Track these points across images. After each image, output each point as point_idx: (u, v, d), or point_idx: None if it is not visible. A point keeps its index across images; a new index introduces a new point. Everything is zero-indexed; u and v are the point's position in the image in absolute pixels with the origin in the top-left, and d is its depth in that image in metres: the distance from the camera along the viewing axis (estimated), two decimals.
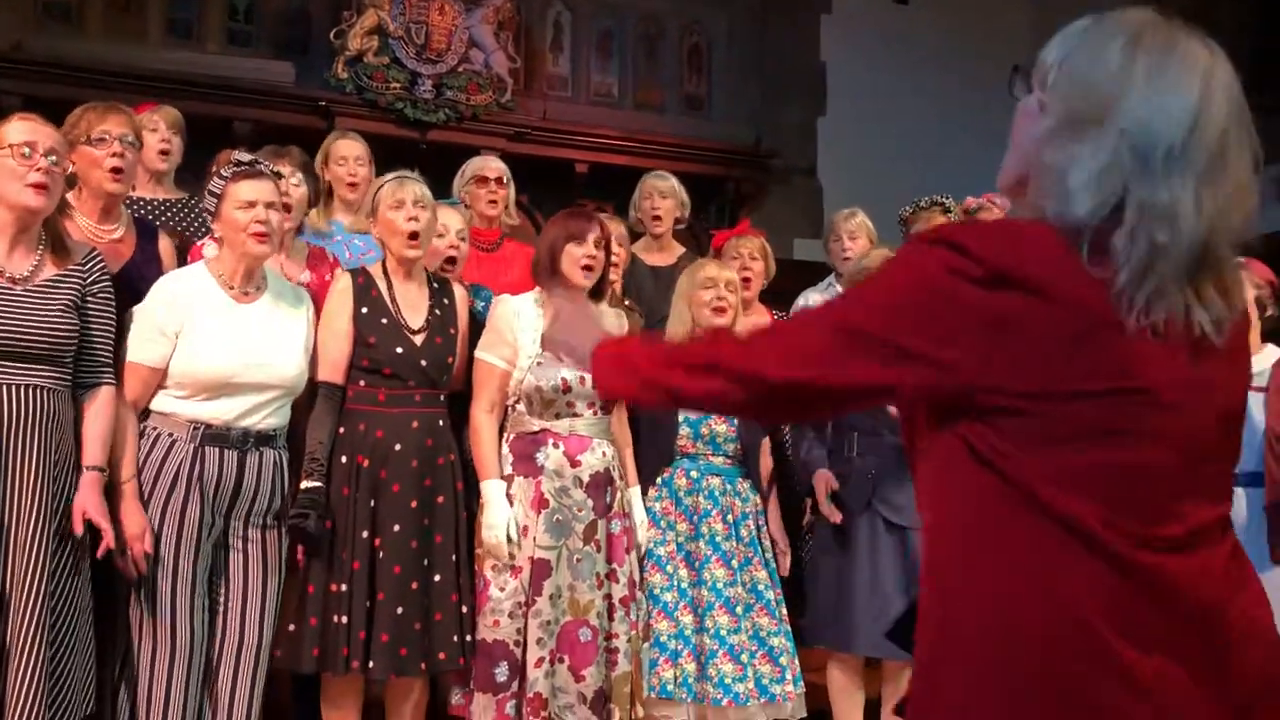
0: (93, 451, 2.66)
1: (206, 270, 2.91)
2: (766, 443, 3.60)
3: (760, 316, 4.00)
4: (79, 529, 2.59)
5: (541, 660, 3.05)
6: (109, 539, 2.61)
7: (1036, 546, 1.14)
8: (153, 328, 2.79)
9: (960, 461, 1.18)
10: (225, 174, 2.87)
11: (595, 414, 3.20)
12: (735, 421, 3.41)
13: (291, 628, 2.96)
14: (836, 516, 3.41)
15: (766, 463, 3.60)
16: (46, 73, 5.59)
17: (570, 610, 3.08)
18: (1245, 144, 1.16)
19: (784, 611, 3.39)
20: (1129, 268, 1.11)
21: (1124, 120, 1.13)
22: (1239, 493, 3.37)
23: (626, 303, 3.71)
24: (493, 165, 4.17)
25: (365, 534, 2.99)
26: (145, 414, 2.83)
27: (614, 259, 3.41)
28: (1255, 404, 3.41)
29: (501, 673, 3.05)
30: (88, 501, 2.61)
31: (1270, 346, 3.51)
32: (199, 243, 3.25)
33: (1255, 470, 3.39)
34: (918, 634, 1.26)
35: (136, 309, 2.83)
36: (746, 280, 3.87)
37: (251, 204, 2.82)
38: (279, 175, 3.01)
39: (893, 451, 3.29)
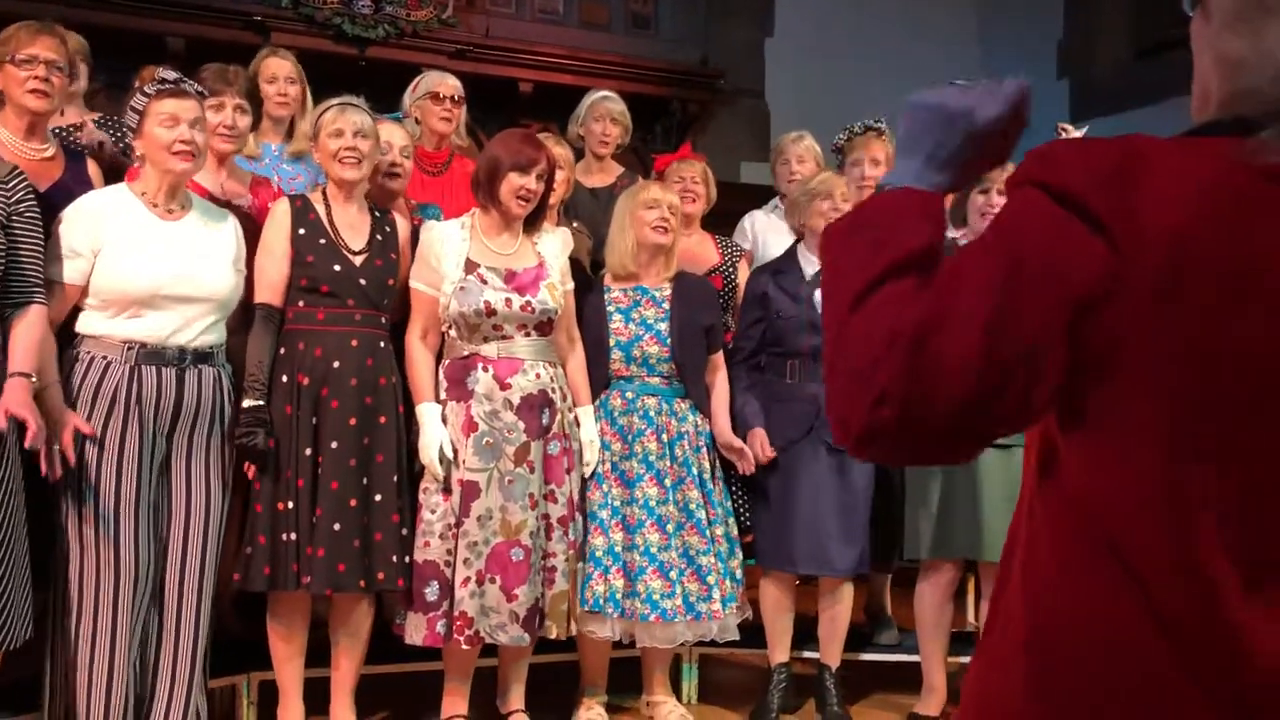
0: (20, 359, 2.61)
1: (129, 189, 2.88)
2: (718, 358, 3.58)
3: (701, 241, 3.99)
4: (2, 424, 2.52)
5: (468, 580, 3.08)
6: (33, 430, 2.55)
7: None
8: (67, 246, 2.76)
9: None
10: (148, 91, 2.83)
11: (529, 336, 3.20)
12: (668, 342, 3.42)
13: (248, 551, 2.97)
14: (749, 468, 3.47)
15: (717, 382, 3.58)
16: None
17: (501, 531, 3.11)
18: None
19: (718, 531, 3.43)
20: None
21: None
22: None
23: (575, 225, 3.68)
24: (449, 83, 4.02)
25: (308, 451, 3.00)
26: (76, 340, 2.79)
27: (554, 185, 3.38)
28: None
29: (431, 592, 3.09)
30: (10, 401, 2.55)
31: None
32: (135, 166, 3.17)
33: None
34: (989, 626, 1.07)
35: (55, 226, 2.78)
36: (688, 204, 3.86)
37: (175, 121, 2.78)
38: (203, 94, 2.96)
39: None
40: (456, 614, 3.08)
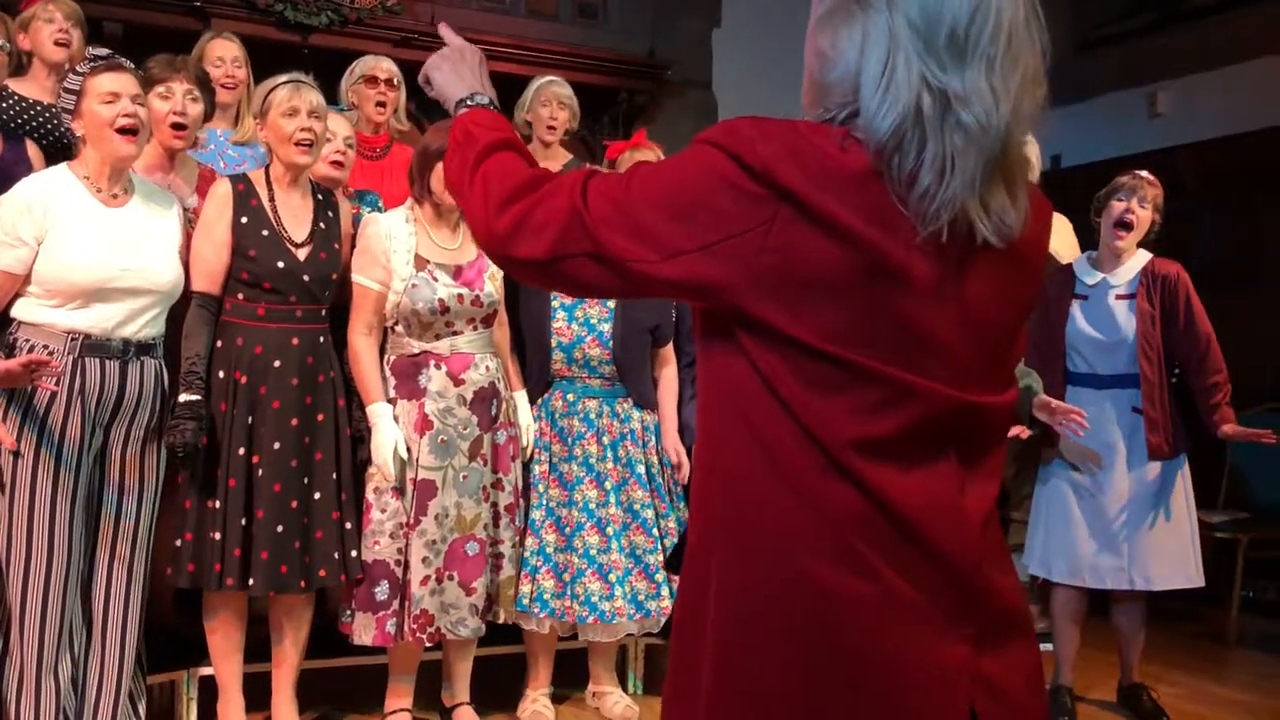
0: None
1: (70, 172, 2.80)
2: (667, 352, 3.56)
3: None
4: None
5: (427, 579, 3.06)
6: None
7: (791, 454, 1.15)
8: (9, 233, 2.68)
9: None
10: (82, 69, 2.75)
11: (476, 329, 3.18)
12: (610, 344, 3.39)
13: (177, 544, 2.92)
14: (685, 478, 3.46)
15: (665, 376, 3.56)
16: None
17: (457, 527, 3.10)
18: (1035, 35, 1.15)
19: (669, 524, 3.42)
20: (929, 164, 1.09)
21: (901, 3, 1.11)
22: (1108, 393, 3.53)
23: None
24: (384, 65, 3.97)
25: (241, 451, 2.95)
26: (14, 326, 2.72)
27: None
28: (1121, 310, 3.54)
29: (381, 592, 3.06)
30: None
31: (1141, 252, 3.62)
32: None
33: (1126, 372, 3.53)
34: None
35: None
36: None
37: (115, 96, 2.71)
38: (140, 72, 2.88)
39: None
40: (417, 612, 3.06)
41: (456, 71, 1.51)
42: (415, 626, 3.07)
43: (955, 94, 1.10)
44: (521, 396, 3.36)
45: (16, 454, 2.64)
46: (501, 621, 3.26)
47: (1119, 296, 3.58)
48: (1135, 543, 3.51)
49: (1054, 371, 3.59)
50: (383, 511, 3.10)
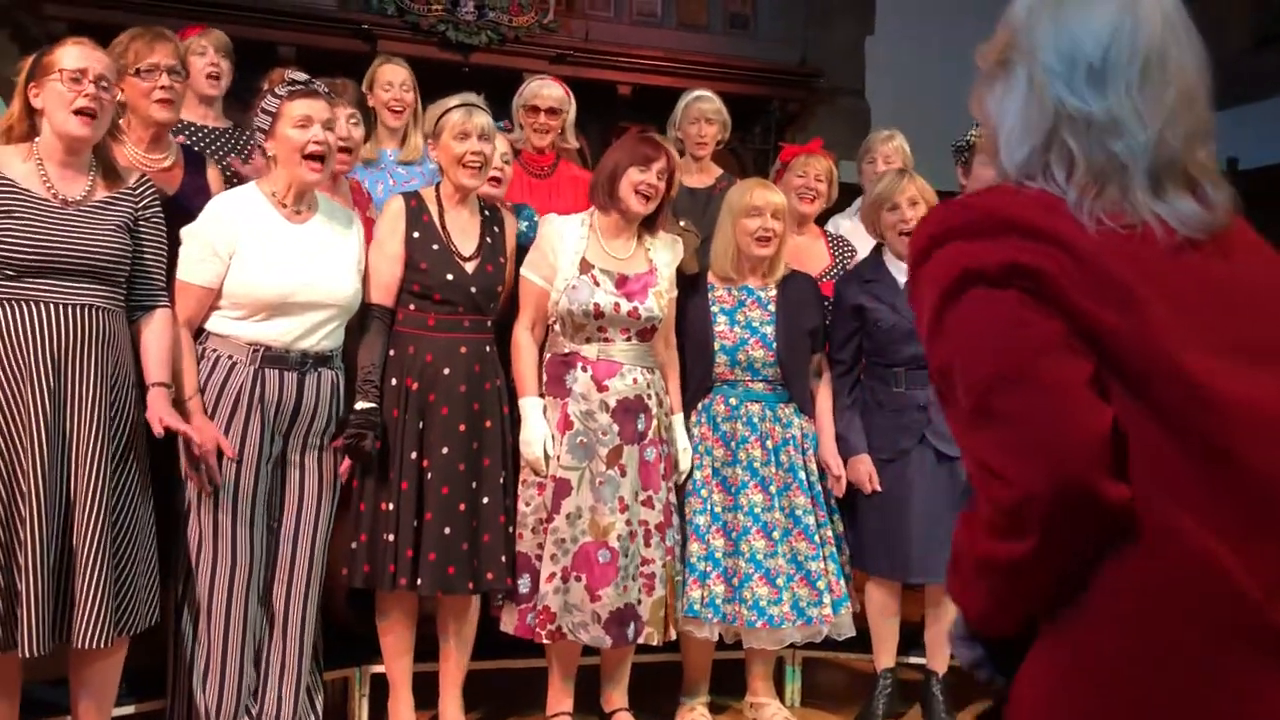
0: (156, 370, 2.71)
1: (258, 190, 2.94)
2: (821, 359, 3.52)
3: (812, 241, 3.93)
4: (158, 431, 2.64)
5: (553, 576, 3.11)
6: (188, 437, 2.68)
7: None
8: (205, 248, 2.83)
9: None
10: (280, 92, 2.88)
11: (630, 340, 3.21)
12: (774, 346, 3.39)
13: (353, 545, 3.04)
14: (841, 491, 3.46)
15: (822, 384, 3.53)
16: None
17: (590, 531, 3.12)
18: (1188, 48, 1.20)
19: (828, 534, 3.40)
20: (1083, 181, 1.16)
21: (1038, 50, 1.20)
22: None
23: (682, 224, 3.66)
24: (544, 94, 3.94)
25: (413, 455, 3.05)
26: (203, 336, 2.87)
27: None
28: None
29: (524, 584, 3.14)
30: (161, 410, 2.66)
31: None
32: None
33: None
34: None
35: (187, 229, 2.86)
36: (805, 204, 3.81)
37: (307, 121, 2.83)
38: (331, 96, 2.99)
39: None
40: (541, 608, 3.11)
41: None
42: (539, 622, 3.11)
43: (1097, 121, 1.17)
44: (678, 420, 3.36)
45: (199, 462, 2.78)
46: (655, 644, 3.25)
47: None
48: None
49: None
50: (527, 505, 3.17)
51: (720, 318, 3.42)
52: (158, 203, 2.79)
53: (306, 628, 2.95)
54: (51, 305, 2.54)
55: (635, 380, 3.20)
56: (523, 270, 3.22)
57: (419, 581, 3.03)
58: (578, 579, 3.11)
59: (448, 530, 3.03)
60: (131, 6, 5.26)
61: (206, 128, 3.63)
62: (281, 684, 2.92)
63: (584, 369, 3.17)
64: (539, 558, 3.14)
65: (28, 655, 2.47)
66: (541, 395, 3.19)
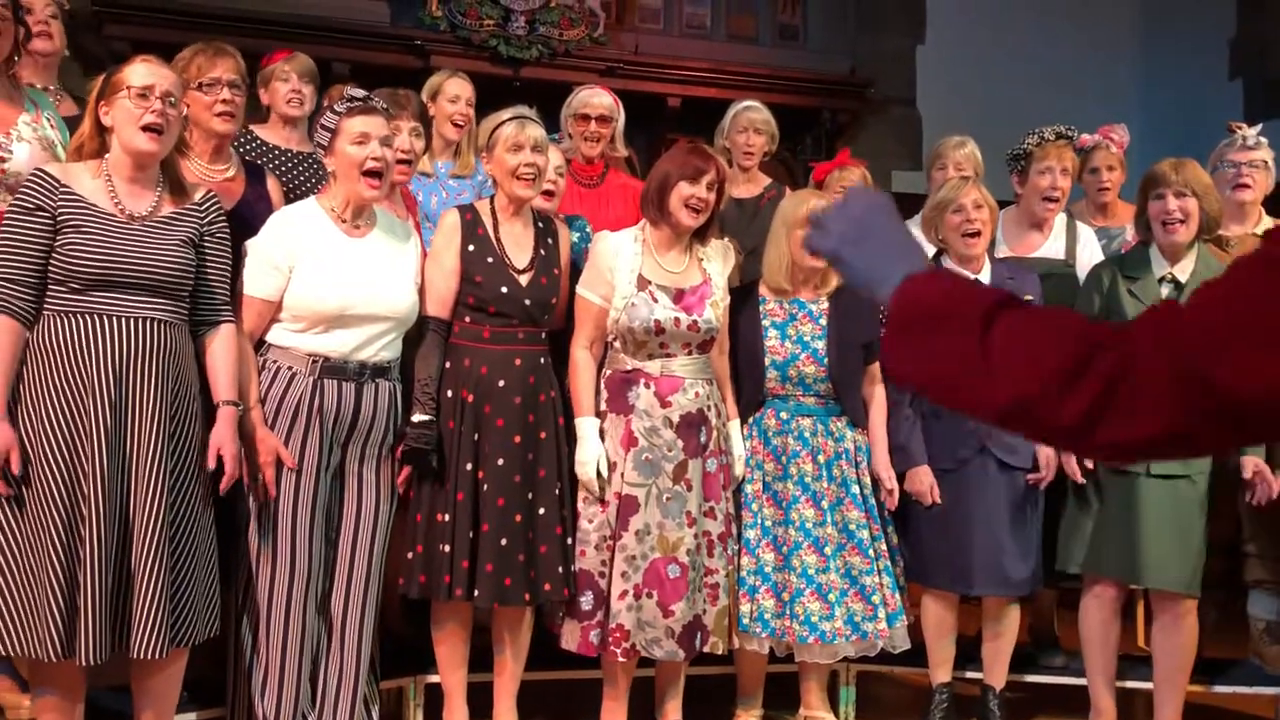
0: (224, 387, 2.76)
1: (317, 205, 2.98)
2: (875, 370, 3.48)
3: None
4: (212, 464, 2.69)
5: (625, 593, 3.11)
6: (231, 476, 2.71)
7: None
8: (266, 261, 2.87)
9: None
10: (339, 109, 2.92)
11: (690, 354, 3.21)
12: (825, 361, 3.36)
13: (409, 555, 3.07)
14: (894, 504, 3.43)
15: (876, 394, 3.50)
16: (152, 17, 5.72)
17: (659, 547, 3.12)
18: None
19: (882, 547, 3.38)
20: None
21: None
22: None
23: (725, 239, 3.66)
24: (595, 103, 3.98)
25: (469, 466, 3.07)
26: (264, 348, 2.92)
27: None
28: None
29: (586, 601, 3.13)
30: (224, 438, 2.71)
31: None
32: None
33: None
34: None
35: (250, 243, 2.91)
36: None
37: (365, 138, 2.87)
38: (389, 112, 3.03)
39: None
40: (613, 626, 3.11)
41: (878, 241, 1.20)
42: (613, 640, 3.11)
43: None
44: (735, 426, 3.36)
45: (257, 473, 2.82)
46: (720, 653, 3.25)
47: None
48: None
49: None
50: (590, 522, 3.16)
51: (771, 332, 3.41)
52: (223, 218, 2.83)
53: (364, 637, 2.97)
54: (115, 318, 2.59)
55: (697, 394, 3.20)
56: (579, 289, 3.23)
57: (475, 593, 3.04)
58: (649, 596, 3.11)
59: (504, 542, 3.05)
60: (191, 25, 5.37)
61: (290, 151, 3.65)
62: (339, 693, 2.95)
63: (647, 385, 3.18)
64: (603, 575, 3.14)
65: (86, 664, 2.52)
66: (599, 414, 3.19)
